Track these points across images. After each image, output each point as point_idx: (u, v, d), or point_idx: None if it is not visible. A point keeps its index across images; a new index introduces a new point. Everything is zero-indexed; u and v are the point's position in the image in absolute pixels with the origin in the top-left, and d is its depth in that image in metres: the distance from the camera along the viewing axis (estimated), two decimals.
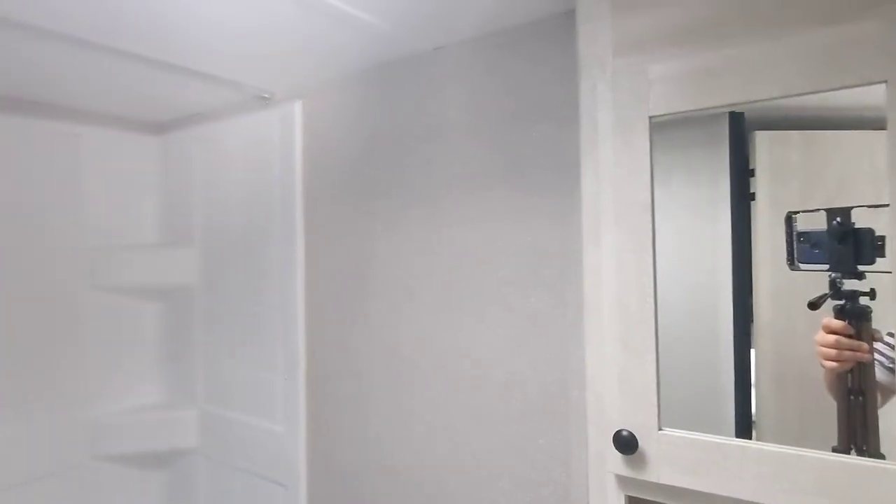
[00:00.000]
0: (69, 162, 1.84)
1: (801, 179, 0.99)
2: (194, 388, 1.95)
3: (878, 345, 0.86)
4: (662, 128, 0.96)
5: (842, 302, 0.87)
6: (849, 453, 0.86)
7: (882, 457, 0.83)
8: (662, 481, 0.92)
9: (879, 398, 0.87)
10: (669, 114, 0.94)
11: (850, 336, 0.86)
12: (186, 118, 1.98)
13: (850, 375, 0.87)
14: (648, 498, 0.96)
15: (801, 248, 0.93)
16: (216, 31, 1.27)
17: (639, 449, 0.94)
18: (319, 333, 1.59)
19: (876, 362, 0.87)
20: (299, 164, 1.62)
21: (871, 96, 0.79)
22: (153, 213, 2.08)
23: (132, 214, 2.02)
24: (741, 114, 0.98)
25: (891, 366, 0.87)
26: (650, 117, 0.94)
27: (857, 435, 0.87)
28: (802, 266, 0.93)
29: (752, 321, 1.00)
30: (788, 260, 0.95)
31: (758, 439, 0.93)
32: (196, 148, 1.96)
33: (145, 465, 1.99)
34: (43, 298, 1.78)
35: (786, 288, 0.97)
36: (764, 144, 1.01)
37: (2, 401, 1.68)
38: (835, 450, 0.87)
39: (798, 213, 0.95)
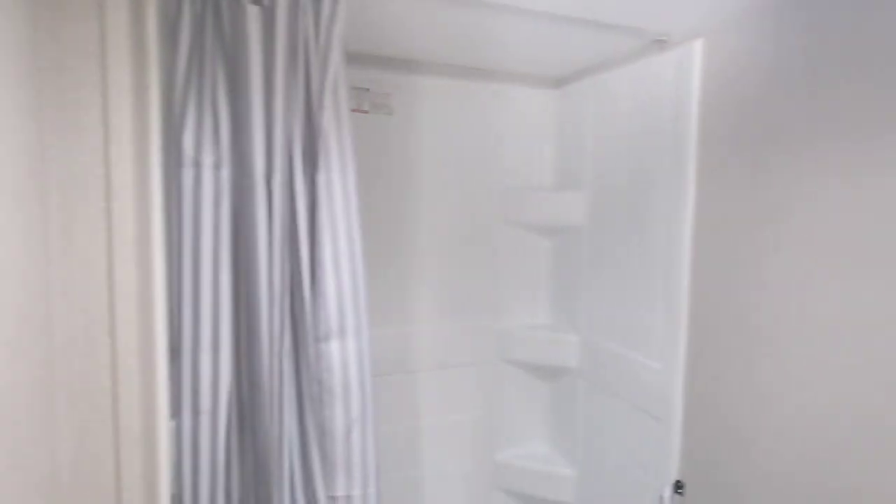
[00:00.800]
0: (491, 116, 2.23)
1: None
2: (577, 316, 2.18)
3: None
4: None
5: None
6: None
7: None
8: None
9: None
10: None
11: None
12: (583, 70, 2.13)
13: None
14: None
15: None
16: None
17: None
18: (706, 281, 1.57)
19: None
20: (695, 107, 1.58)
21: None
22: (551, 159, 2.35)
23: (535, 160, 2.33)
24: None
25: None
26: None
27: None
28: None
29: None
30: None
31: None
32: (589, 97, 2.10)
33: (537, 375, 2.36)
34: (470, 229, 2.25)
35: None
36: None
37: (443, 306, 2.23)
38: None
39: None
